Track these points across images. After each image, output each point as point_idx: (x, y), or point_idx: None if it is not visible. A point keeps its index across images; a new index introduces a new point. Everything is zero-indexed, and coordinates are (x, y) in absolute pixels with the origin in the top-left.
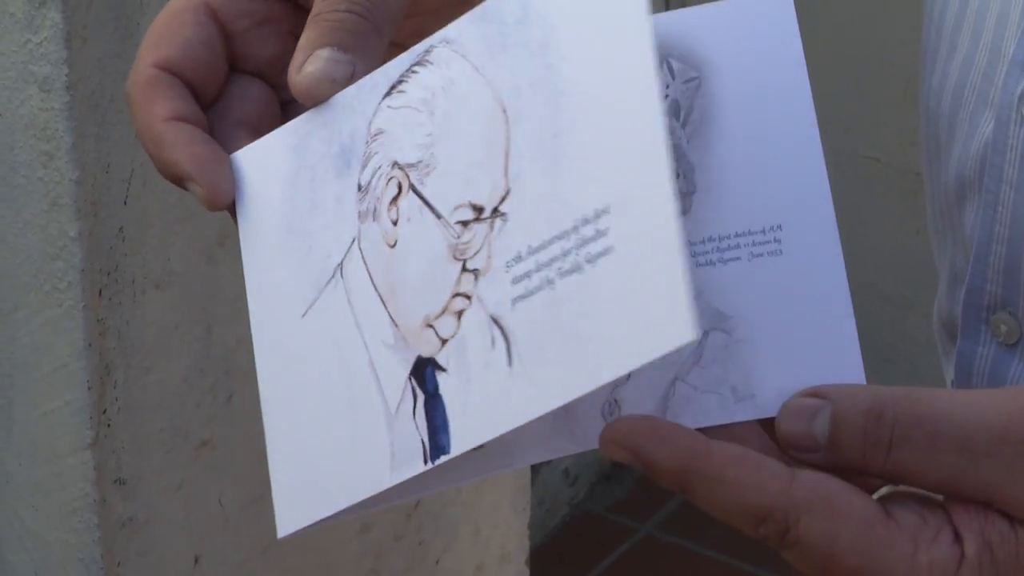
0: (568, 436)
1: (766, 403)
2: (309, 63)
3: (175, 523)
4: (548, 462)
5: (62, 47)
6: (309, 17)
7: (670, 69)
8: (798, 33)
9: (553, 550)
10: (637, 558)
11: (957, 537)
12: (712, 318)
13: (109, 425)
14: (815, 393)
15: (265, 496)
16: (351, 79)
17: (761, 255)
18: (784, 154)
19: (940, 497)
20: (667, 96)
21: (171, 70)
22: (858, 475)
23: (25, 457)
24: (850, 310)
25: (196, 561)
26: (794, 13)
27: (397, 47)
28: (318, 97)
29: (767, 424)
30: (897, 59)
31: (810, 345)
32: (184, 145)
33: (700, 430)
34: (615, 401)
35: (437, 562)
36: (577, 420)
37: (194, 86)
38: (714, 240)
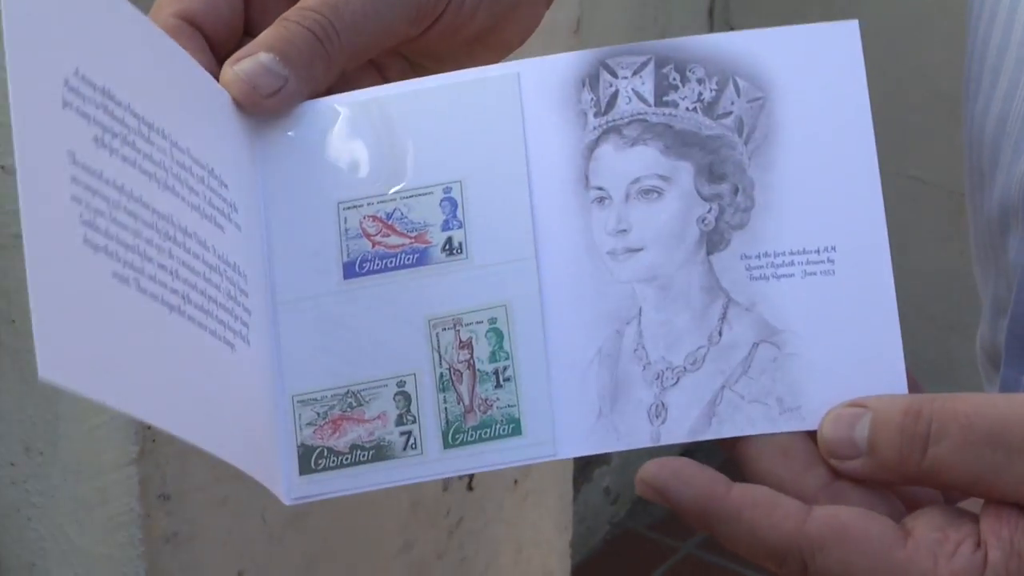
0: (613, 433)
1: (811, 416)
2: (244, 61)
3: (219, 538)
4: (589, 480)
5: None
6: (279, 17)
7: (736, 87)
8: (862, 61)
9: (594, 568)
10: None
11: (979, 545)
12: (763, 331)
13: (154, 440)
14: (856, 403)
15: (309, 512)
16: (277, 93)
17: (814, 274)
18: (842, 178)
19: (971, 510)
20: (731, 113)
21: (192, 21)
22: (899, 482)
23: (70, 472)
24: (898, 333)
25: (239, 575)
26: (859, 42)
27: (416, 67)
28: (243, 102)
29: (813, 434)
30: (943, 82)
31: (857, 364)
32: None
33: (749, 437)
34: (662, 404)
35: None
36: (623, 418)
37: (212, 41)
38: (769, 256)
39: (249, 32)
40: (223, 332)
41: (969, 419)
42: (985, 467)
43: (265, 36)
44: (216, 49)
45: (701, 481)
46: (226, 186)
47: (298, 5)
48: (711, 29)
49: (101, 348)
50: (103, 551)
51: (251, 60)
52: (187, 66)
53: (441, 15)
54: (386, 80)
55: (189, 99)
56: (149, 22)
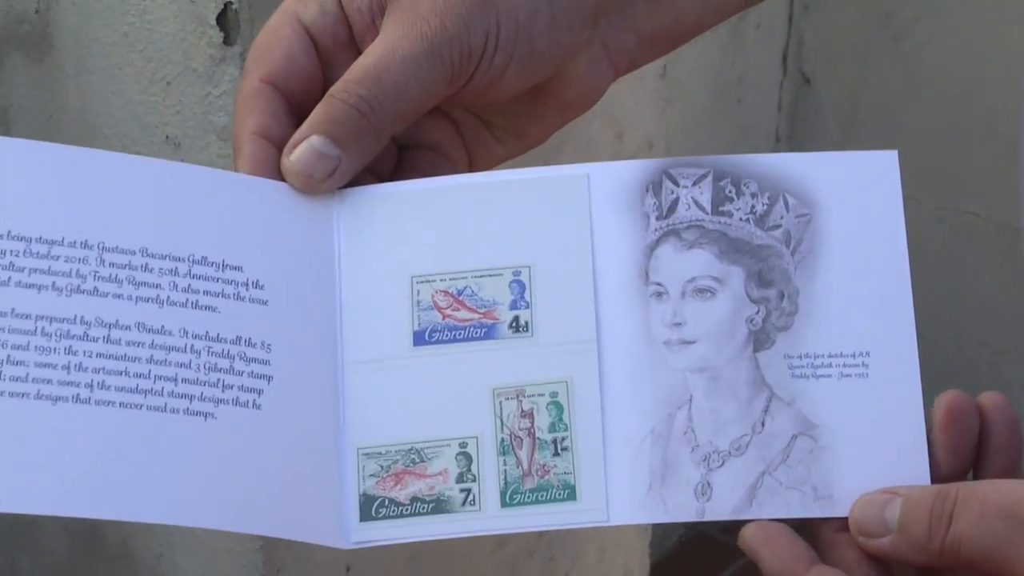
0: (661, 506)
1: (841, 504)
2: (297, 151)
3: (339, 548)
4: None
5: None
6: (328, 92)
7: (785, 203)
8: (899, 186)
9: (670, 568)
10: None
11: None
12: (802, 424)
13: None
14: (888, 490)
15: None
16: (332, 175)
17: (849, 376)
18: (878, 291)
19: None
20: (780, 226)
21: (275, 83)
22: (924, 560)
23: None
24: (923, 434)
25: (347, 570)
26: (898, 169)
27: (488, 124)
28: (302, 189)
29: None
30: (999, 123)
31: (885, 460)
32: (251, 162)
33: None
34: (708, 484)
35: None
36: (671, 493)
37: (295, 96)
38: (809, 357)
39: (328, 84)
40: (185, 405)
41: (987, 496)
42: (998, 539)
43: (314, 117)
44: (299, 105)
45: (786, 554)
46: (237, 268)
47: (343, 78)
48: (784, 74)
49: None
50: (224, 545)
51: (305, 146)
52: (168, 175)
53: (474, 73)
54: (460, 133)
55: (153, 206)
56: (82, 153)
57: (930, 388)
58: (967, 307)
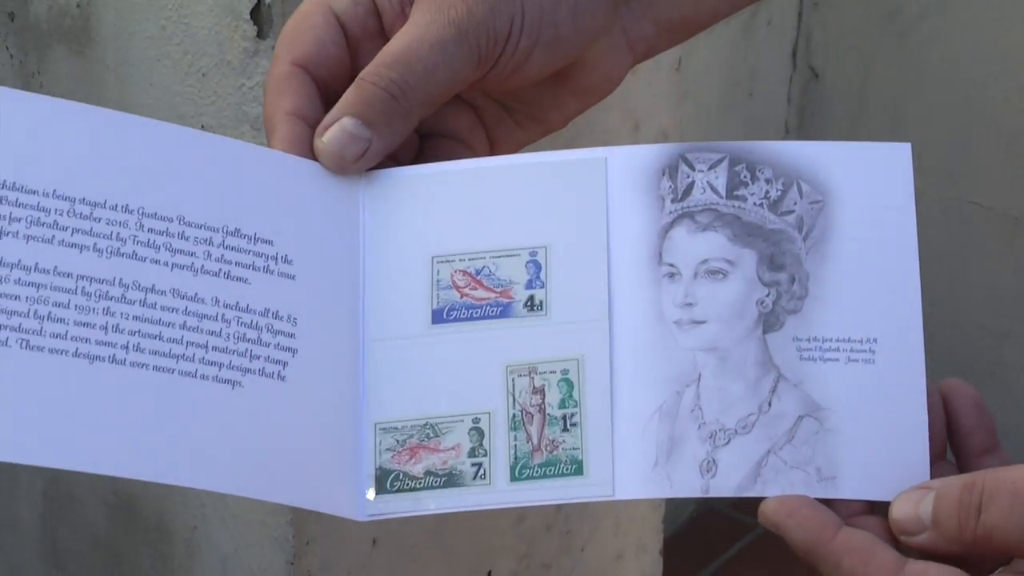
0: (667, 481)
1: (845, 486)
2: (329, 132)
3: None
4: None
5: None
6: (358, 75)
7: (799, 189)
8: (912, 178)
9: (682, 542)
10: (754, 551)
11: None
12: (808, 406)
13: None
14: (922, 485)
15: None
16: (362, 155)
17: (856, 361)
18: (887, 279)
19: None
20: (793, 212)
21: (305, 67)
22: (960, 551)
23: None
24: (925, 420)
25: (374, 543)
26: (911, 160)
27: (509, 109)
28: (334, 169)
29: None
30: (1001, 117)
31: (887, 445)
32: (286, 141)
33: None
34: (713, 461)
35: (582, 550)
36: (677, 469)
37: (325, 82)
38: (818, 340)
39: (356, 71)
40: (214, 372)
41: (1016, 485)
42: None
43: (346, 99)
44: (327, 87)
45: (812, 523)
46: (268, 242)
47: (374, 62)
48: (794, 69)
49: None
50: (256, 517)
51: (337, 128)
52: (205, 146)
53: (499, 57)
54: (482, 120)
55: (191, 175)
56: (132, 119)
57: (933, 371)
58: (969, 293)
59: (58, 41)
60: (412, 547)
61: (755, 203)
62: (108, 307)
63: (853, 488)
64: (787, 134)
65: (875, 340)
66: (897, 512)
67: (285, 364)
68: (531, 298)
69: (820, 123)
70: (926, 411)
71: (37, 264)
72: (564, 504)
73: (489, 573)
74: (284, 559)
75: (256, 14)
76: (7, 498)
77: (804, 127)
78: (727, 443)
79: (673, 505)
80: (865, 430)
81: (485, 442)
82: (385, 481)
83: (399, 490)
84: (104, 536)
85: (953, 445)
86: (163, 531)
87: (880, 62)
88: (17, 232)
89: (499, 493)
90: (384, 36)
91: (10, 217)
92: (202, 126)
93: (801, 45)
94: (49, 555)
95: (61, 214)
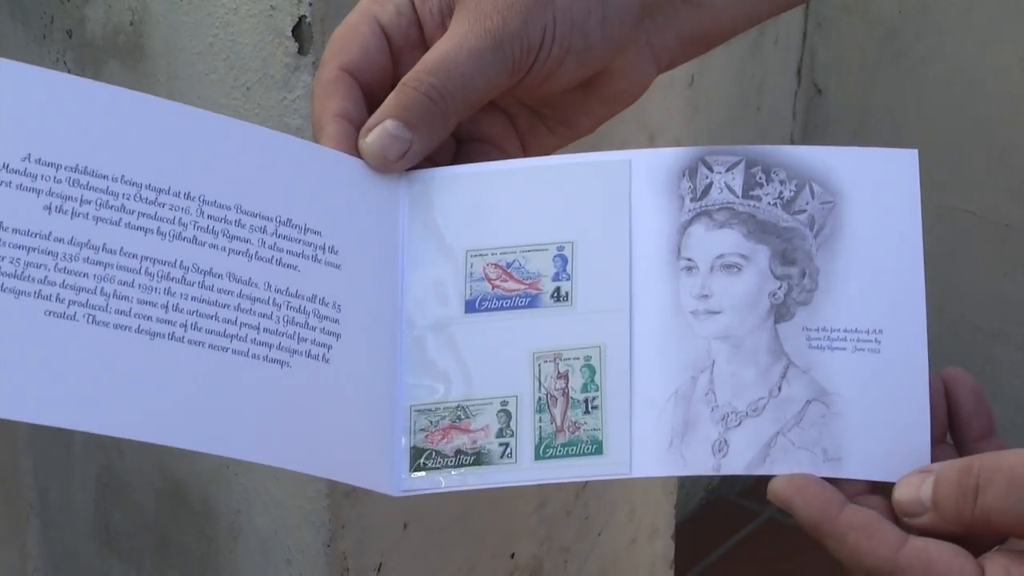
0: (680, 461)
1: (849, 467)
2: (373, 133)
3: (387, 495)
4: None
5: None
6: (400, 81)
7: (811, 190)
8: (918, 182)
9: (693, 527)
10: (761, 536)
11: None
12: (816, 391)
13: None
14: (923, 469)
15: None
16: (404, 155)
17: (862, 350)
18: (893, 275)
19: None
20: (805, 211)
21: (352, 72)
22: (960, 531)
23: None
24: (927, 407)
25: (405, 527)
26: (917, 165)
27: (541, 116)
28: (377, 168)
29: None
30: (992, 131)
31: (891, 428)
32: (334, 139)
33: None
34: (725, 441)
35: (599, 534)
36: (690, 449)
37: (369, 87)
38: (826, 330)
39: (398, 78)
40: (265, 352)
41: (1012, 469)
42: None
43: (389, 103)
44: (372, 92)
45: (819, 500)
46: (316, 232)
47: (415, 69)
48: (799, 85)
49: (59, 377)
50: (295, 503)
51: (380, 130)
52: (263, 141)
53: (532, 65)
54: (515, 125)
55: (249, 168)
56: (189, 110)
57: (929, 367)
58: (963, 295)
59: (112, 56)
60: (440, 530)
61: (769, 202)
62: (169, 287)
63: (857, 468)
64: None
65: (880, 331)
66: (899, 495)
67: (329, 347)
68: (557, 290)
69: (823, 136)
70: (928, 398)
71: (105, 244)
72: (585, 482)
73: (512, 555)
74: (321, 541)
75: (297, 32)
76: (63, 483)
77: (808, 140)
78: (738, 425)
79: (685, 491)
80: (870, 414)
81: (512, 423)
82: (419, 459)
83: (431, 468)
84: (153, 519)
85: (953, 430)
86: (208, 515)
87: (880, 79)
88: (87, 214)
89: (524, 471)
90: (425, 45)
91: (81, 199)
92: None
93: (806, 63)
94: (102, 537)
95: (128, 198)
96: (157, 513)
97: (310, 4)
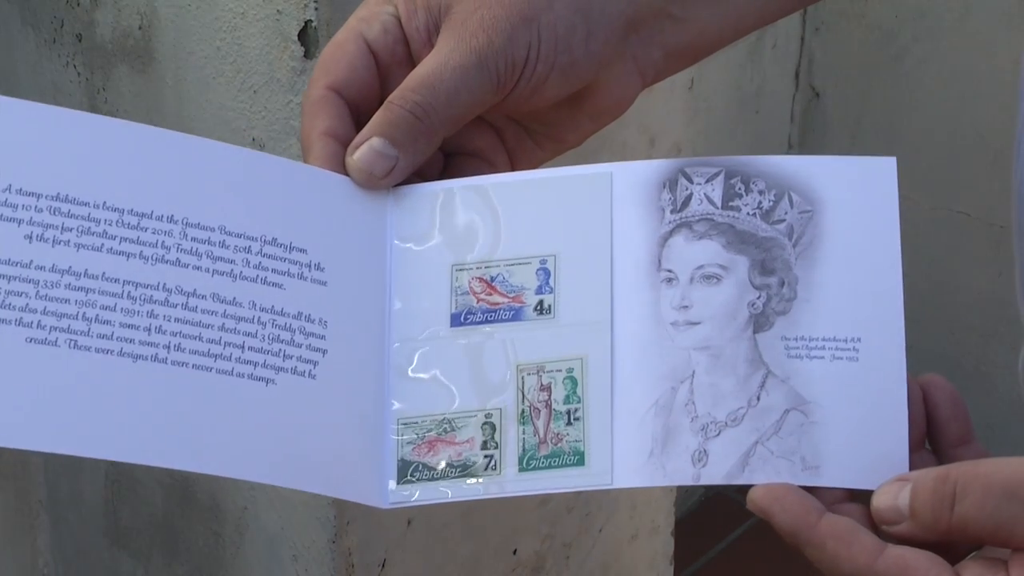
0: (661, 471)
1: (827, 475)
2: (360, 151)
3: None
4: None
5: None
6: (387, 99)
7: (790, 200)
8: (896, 190)
9: (691, 524)
10: (760, 532)
11: None
12: (794, 400)
13: None
14: (900, 477)
15: None
16: (390, 172)
17: (841, 359)
18: (871, 284)
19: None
20: (784, 221)
21: (339, 91)
22: (936, 539)
23: None
24: (905, 416)
25: (408, 523)
26: (896, 173)
27: (529, 131)
28: (363, 185)
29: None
30: (988, 134)
31: (869, 436)
32: (321, 158)
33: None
34: (705, 451)
35: (600, 531)
36: (670, 459)
37: (356, 104)
38: (804, 339)
39: (385, 95)
40: (250, 371)
41: (988, 477)
42: (1003, 518)
43: (375, 121)
44: (359, 110)
45: (797, 509)
46: (302, 250)
47: (401, 86)
48: (796, 88)
49: (42, 402)
50: (301, 499)
51: (366, 147)
52: (246, 162)
53: (517, 82)
54: (503, 139)
55: (232, 189)
56: (167, 134)
57: (925, 366)
58: (958, 296)
59: (122, 60)
60: (444, 527)
61: (748, 213)
62: (152, 310)
63: (835, 477)
64: (790, 149)
65: (859, 339)
66: (877, 503)
67: (316, 363)
68: (540, 303)
69: (820, 139)
70: (906, 406)
71: (87, 270)
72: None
73: (515, 552)
74: (326, 538)
75: (303, 36)
76: (73, 480)
77: (806, 143)
78: (718, 435)
79: (684, 490)
80: (848, 423)
81: (496, 436)
82: (406, 471)
83: (418, 480)
84: (162, 515)
85: (931, 436)
86: (216, 511)
87: (876, 83)
88: (68, 241)
89: (508, 483)
90: (412, 63)
91: (62, 227)
92: (253, 139)
93: (803, 67)
94: (112, 532)
95: (111, 224)
96: (165, 509)
97: (316, 8)
